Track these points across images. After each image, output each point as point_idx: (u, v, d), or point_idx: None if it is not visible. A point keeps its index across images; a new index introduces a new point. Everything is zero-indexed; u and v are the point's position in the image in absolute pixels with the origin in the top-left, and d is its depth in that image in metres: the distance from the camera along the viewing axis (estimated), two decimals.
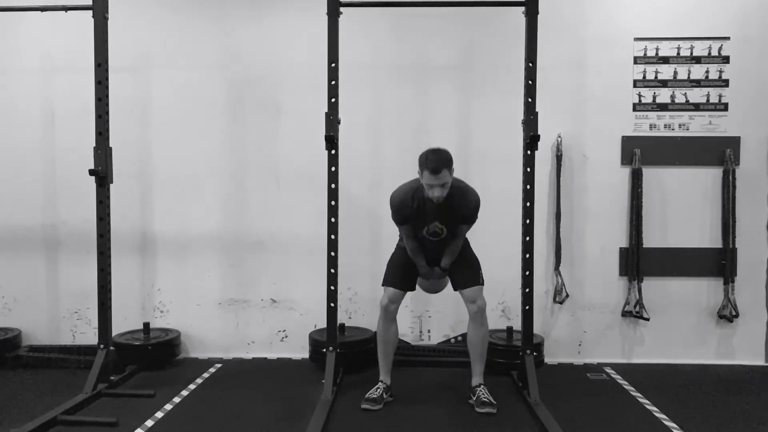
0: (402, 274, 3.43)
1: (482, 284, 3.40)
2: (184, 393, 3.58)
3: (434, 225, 3.27)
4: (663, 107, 4.19)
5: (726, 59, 4.17)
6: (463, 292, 3.38)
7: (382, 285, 3.45)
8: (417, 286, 3.57)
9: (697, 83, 4.18)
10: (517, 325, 3.75)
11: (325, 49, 3.52)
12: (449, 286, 3.54)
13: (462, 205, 3.22)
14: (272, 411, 3.32)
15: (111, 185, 3.59)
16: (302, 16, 4.19)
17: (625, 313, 4.22)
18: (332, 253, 3.57)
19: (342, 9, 3.53)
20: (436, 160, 3.02)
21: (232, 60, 4.29)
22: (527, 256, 3.55)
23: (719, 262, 4.18)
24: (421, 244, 3.38)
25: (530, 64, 3.47)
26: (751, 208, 4.18)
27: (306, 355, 4.16)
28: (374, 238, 4.21)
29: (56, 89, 4.30)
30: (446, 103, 4.22)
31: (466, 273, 3.39)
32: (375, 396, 3.34)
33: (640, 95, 4.20)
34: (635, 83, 4.19)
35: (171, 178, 4.32)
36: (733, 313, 4.15)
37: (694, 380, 3.87)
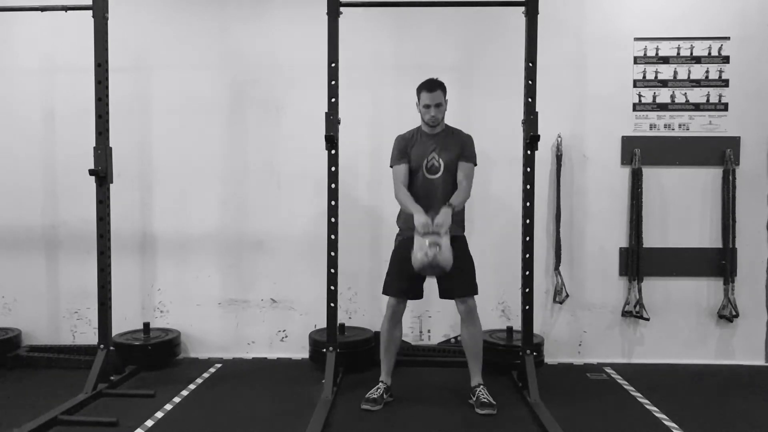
0: (403, 280, 3.36)
1: (474, 294, 3.36)
2: (184, 393, 3.58)
3: (432, 157, 3.33)
4: (663, 107, 4.19)
5: (726, 59, 4.17)
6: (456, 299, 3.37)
7: (383, 293, 3.44)
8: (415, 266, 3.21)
9: (697, 83, 4.18)
10: (517, 325, 3.75)
11: (325, 48, 3.52)
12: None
13: (457, 139, 3.40)
14: (272, 411, 3.32)
15: (111, 185, 3.59)
16: (302, 15, 4.19)
17: (625, 313, 4.22)
18: (332, 253, 3.57)
19: (342, 9, 3.53)
20: (432, 81, 3.34)
21: (232, 60, 4.29)
22: (527, 256, 3.55)
23: (719, 262, 4.18)
24: (420, 191, 3.32)
25: (530, 64, 3.47)
26: (751, 208, 4.18)
27: (306, 355, 4.16)
28: (374, 238, 4.21)
29: (56, 89, 4.30)
30: (447, 105, 4.21)
31: (459, 281, 3.31)
32: (375, 396, 3.34)
33: (640, 95, 4.20)
34: (635, 83, 4.19)
35: (171, 178, 4.32)
36: (733, 313, 4.15)
37: (694, 380, 3.87)
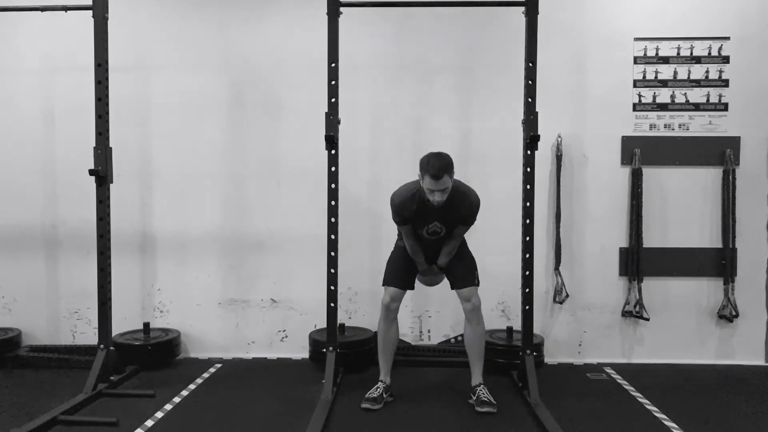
0: (402, 274, 3.44)
1: (477, 285, 3.40)
2: (184, 393, 3.58)
3: (434, 225, 3.28)
4: (663, 107, 4.19)
5: (726, 59, 4.17)
6: (458, 291, 3.39)
7: (383, 285, 3.45)
8: (417, 282, 3.57)
9: (697, 83, 4.18)
10: (517, 325, 3.75)
11: (325, 48, 3.52)
12: (445, 285, 3.54)
13: (462, 207, 3.23)
14: (272, 411, 3.32)
15: (111, 185, 3.59)
16: (302, 16, 4.19)
17: (625, 313, 4.22)
18: (332, 253, 3.57)
19: (342, 9, 3.53)
20: (438, 167, 3.02)
21: (232, 60, 4.29)
22: (527, 256, 3.55)
23: (719, 262, 4.18)
24: (420, 242, 3.39)
25: (530, 64, 3.47)
26: (751, 208, 4.18)
27: (306, 355, 4.16)
28: (374, 238, 4.21)
29: (56, 89, 4.30)
30: (446, 103, 4.22)
31: (462, 273, 3.40)
32: (375, 396, 3.34)
33: (640, 95, 4.20)
34: (635, 83, 4.19)
35: (171, 178, 4.32)
36: (733, 313, 4.15)
37: (694, 380, 3.87)
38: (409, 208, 3.22)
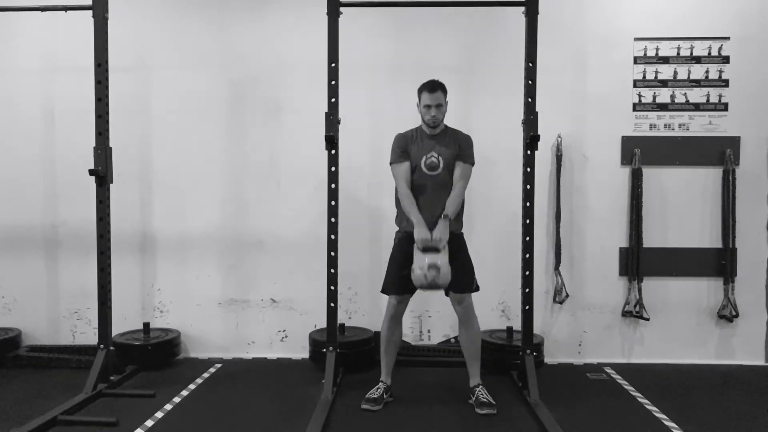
0: (402, 279, 3.36)
1: (473, 291, 3.39)
2: (184, 393, 3.58)
3: (431, 156, 3.33)
4: (663, 107, 4.19)
5: (726, 59, 4.17)
6: (452, 295, 3.38)
7: (382, 292, 3.45)
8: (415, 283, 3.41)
9: (697, 83, 4.18)
10: (517, 325, 3.75)
11: (324, 48, 3.52)
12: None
13: (457, 138, 3.40)
14: (272, 411, 3.32)
15: (111, 185, 3.59)
16: (302, 15, 4.19)
17: (625, 313, 4.22)
18: (332, 253, 3.57)
19: (342, 9, 3.53)
20: (433, 82, 3.34)
21: (232, 60, 4.29)
22: (527, 256, 3.55)
23: (719, 262, 4.18)
24: (419, 188, 3.33)
25: (530, 64, 3.47)
26: (751, 208, 4.18)
27: (306, 355, 4.16)
28: (374, 238, 4.21)
29: (56, 89, 4.30)
30: (448, 106, 4.21)
31: (461, 278, 3.34)
32: (375, 396, 3.35)
33: (640, 95, 4.20)
34: (635, 83, 4.19)
35: (171, 178, 4.32)
36: (733, 313, 4.15)
37: (694, 380, 3.87)
38: (408, 138, 3.41)
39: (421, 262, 3.10)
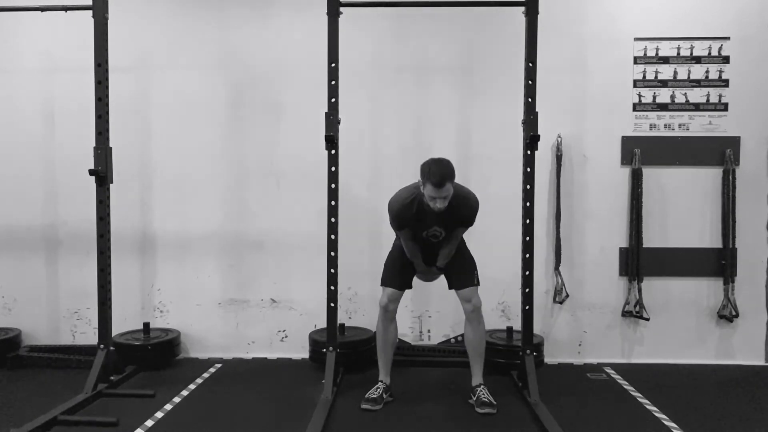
0: (400, 274, 3.44)
1: (477, 285, 3.40)
2: (184, 393, 3.58)
3: (433, 229, 3.29)
4: (663, 107, 4.19)
5: (726, 59, 4.17)
6: (458, 292, 3.39)
7: (381, 285, 3.45)
8: (414, 282, 3.55)
9: (697, 83, 4.18)
10: (517, 325, 3.75)
11: (324, 48, 3.52)
12: (445, 284, 3.53)
13: (462, 211, 3.22)
14: (272, 411, 3.32)
15: (111, 185, 3.59)
16: (302, 15, 4.19)
17: (625, 313, 4.22)
18: (332, 253, 3.57)
19: (342, 9, 3.53)
20: (441, 174, 2.99)
21: (232, 60, 4.29)
22: (527, 256, 3.55)
23: (719, 262, 4.17)
24: (418, 244, 3.39)
25: (530, 64, 3.47)
26: (751, 208, 4.18)
27: (306, 355, 4.16)
28: (374, 238, 4.21)
29: (56, 89, 4.29)
30: (446, 103, 4.22)
31: (462, 273, 3.39)
32: (375, 396, 3.35)
33: (640, 95, 4.20)
34: (635, 83, 4.19)
35: (171, 178, 4.32)
36: (733, 313, 4.15)
37: (694, 380, 3.87)
38: (407, 213, 3.21)
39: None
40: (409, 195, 3.21)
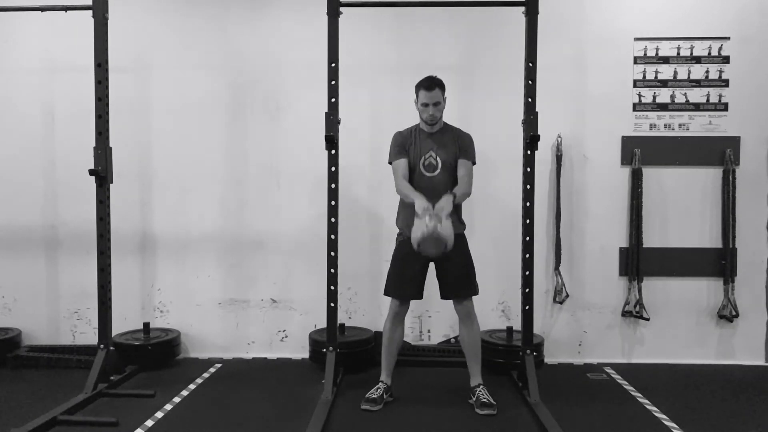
0: (405, 282, 3.38)
1: (475, 294, 3.38)
2: (184, 393, 3.58)
3: (429, 155, 3.33)
4: (663, 107, 4.19)
5: (726, 59, 4.17)
6: (453, 297, 3.38)
7: (385, 294, 3.44)
8: (418, 246, 3.05)
9: (697, 83, 4.18)
10: (517, 325, 3.75)
11: (324, 48, 3.52)
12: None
13: (456, 137, 3.39)
14: (272, 411, 3.32)
15: (111, 185, 3.59)
16: (302, 15, 4.19)
17: (625, 313, 4.22)
18: (332, 253, 3.57)
19: (342, 9, 3.53)
20: (430, 79, 3.32)
21: (233, 60, 4.29)
22: (527, 256, 3.55)
23: (719, 262, 4.17)
24: (417, 188, 3.27)
25: (530, 64, 3.47)
26: (751, 208, 4.18)
27: (306, 355, 4.16)
28: (374, 238, 4.21)
29: (56, 89, 4.29)
30: (446, 103, 4.22)
31: (459, 281, 3.35)
32: (375, 396, 3.34)
33: (640, 95, 4.20)
34: (635, 83, 4.19)
35: (171, 178, 4.32)
36: (733, 313, 4.15)
37: (694, 380, 3.87)
38: (406, 137, 3.40)
39: (421, 222, 2.94)
40: (408, 127, 3.47)
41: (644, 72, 4.18)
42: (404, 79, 4.18)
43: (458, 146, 3.37)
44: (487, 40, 4.21)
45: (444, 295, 3.41)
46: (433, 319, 4.32)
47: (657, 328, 4.22)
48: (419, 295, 3.42)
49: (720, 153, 4.16)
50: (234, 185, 4.32)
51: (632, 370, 4.02)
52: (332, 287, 3.57)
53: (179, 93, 4.29)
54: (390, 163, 3.43)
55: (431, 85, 3.30)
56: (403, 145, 3.39)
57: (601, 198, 4.22)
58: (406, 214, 3.31)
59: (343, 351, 3.77)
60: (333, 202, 3.55)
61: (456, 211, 3.31)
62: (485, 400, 3.28)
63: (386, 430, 3.09)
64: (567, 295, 4.22)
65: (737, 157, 4.15)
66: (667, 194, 4.20)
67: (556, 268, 4.22)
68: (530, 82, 3.47)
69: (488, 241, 4.11)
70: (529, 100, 3.47)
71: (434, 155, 3.34)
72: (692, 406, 3.40)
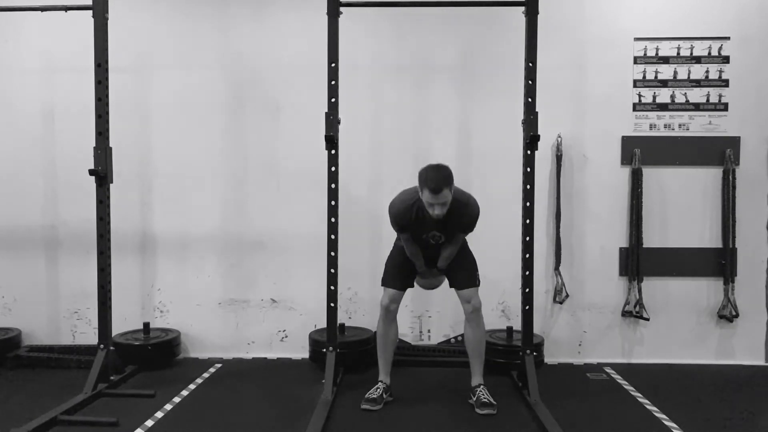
0: (401, 274, 3.44)
1: (478, 285, 3.41)
2: (184, 393, 3.58)
3: (433, 233, 3.29)
4: (663, 107, 4.19)
5: (726, 59, 4.17)
6: (459, 292, 3.40)
7: (382, 285, 3.45)
8: (416, 284, 3.56)
9: (697, 83, 4.18)
10: (517, 325, 3.75)
11: (324, 48, 3.52)
12: (445, 285, 3.55)
13: (462, 217, 3.24)
14: (272, 411, 3.32)
15: (111, 185, 3.59)
16: (302, 16, 4.19)
17: (625, 313, 4.22)
18: (332, 253, 3.57)
19: (342, 9, 3.53)
20: (437, 180, 3.01)
21: (232, 60, 4.29)
22: (527, 256, 3.55)
23: (719, 262, 4.17)
24: (419, 246, 3.39)
25: (530, 64, 3.47)
26: (751, 208, 4.18)
27: (306, 355, 4.16)
28: (374, 238, 4.21)
29: (56, 89, 4.29)
30: (446, 103, 4.22)
31: (463, 273, 3.40)
32: (375, 396, 3.34)
33: (640, 95, 4.20)
34: (635, 83, 4.19)
35: (171, 178, 4.32)
36: (733, 313, 4.15)
37: (694, 380, 3.87)
38: (407, 217, 3.22)
39: (419, 281, 3.54)
40: (410, 198, 3.22)
41: (644, 72, 4.18)
42: (404, 78, 4.21)
43: (462, 227, 3.30)
44: (487, 40, 4.21)
45: (451, 284, 3.46)
46: (433, 319, 4.32)
47: (657, 328, 4.22)
48: (410, 283, 3.50)
49: (720, 153, 4.16)
50: (234, 185, 4.32)
51: (632, 370, 4.02)
52: (332, 287, 3.57)
53: (179, 93, 4.29)
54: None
55: (438, 188, 2.99)
56: (403, 225, 3.27)
57: (601, 198, 4.22)
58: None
59: (343, 351, 3.77)
60: (333, 202, 3.55)
61: None
62: (485, 399, 3.28)
63: (386, 430, 3.09)
64: (567, 295, 4.22)
65: (737, 157, 4.15)
66: (667, 194, 4.20)
67: (556, 268, 4.22)
68: (530, 82, 3.47)
69: (488, 241, 4.10)
70: (529, 100, 3.47)
71: (438, 233, 3.29)
72: (692, 406, 3.40)
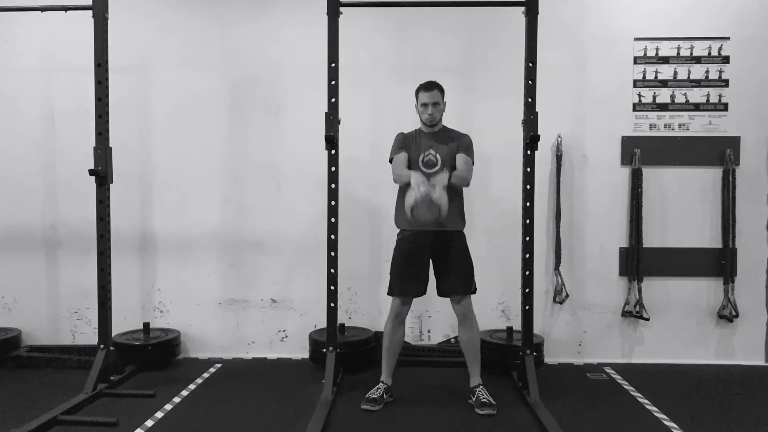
0: (406, 280, 3.39)
1: (471, 293, 3.39)
2: (184, 393, 3.58)
3: (429, 153, 3.35)
4: (663, 107, 4.19)
5: (726, 59, 4.17)
6: (450, 298, 3.39)
7: (388, 294, 3.44)
8: (412, 216, 3.05)
9: (697, 83, 4.18)
10: (517, 325, 3.75)
11: (324, 48, 3.52)
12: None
13: (455, 136, 3.43)
14: (272, 411, 3.32)
15: (111, 185, 3.59)
16: (302, 15, 4.19)
17: (625, 313, 4.22)
18: (332, 253, 3.57)
19: (342, 9, 3.53)
20: (429, 82, 3.40)
21: (233, 60, 4.29)
22: (527, 256, 3.55)
23: (719, 262, 4.17)
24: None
25: (530, 64, 3.47)
26: (751, 208, 4.18)
27: (306, 355, 4.16)
28: (374, 238, 4.21)
29: (56, 89, 4.30)
30: (446, 106, 4.22)
31: (455, 279, 3.36)
32: (375, 396, 3.35)
33: (640, 95, 4.20)
34: (635, 83, 4.19)
35: (171, 178, 4.32)
36: (733, 313, 4.15)
37: (694, 380, 3.87)
38: (408, 137, 3.46)
39: (415, 191, 2.94)
40: (410, 130, 3.51)
41: (644, 72, 4.18)
42: (404, 78, 4.18)
43: (458, 145, 3.39)
44: (487, 41, 4.21)
45: (441, 292, 3.41)
46: (433, 319, 4.32)
47: (657, 328, 4.22)
48: (423, 290, 3.42)
49: (720, 153, 4.16)
50: (234, 185, 4.32)
51: (632, 370, 4.02)
52: (332, 287, 3.57)
53: (179, 93, 4.29)
54: (390, 161, 3.43)
55: (430, 86, 3.38)
56: (404, 142, 3.44)
57: (601, 198, 4.22)
58: (404, 212, 3.30)
59: (343, 351, 3.77)
60: (333, 202, 3.55)
61: (457, 208, 3.33)
62: (485, 400, 3.28)
63: (386, 430, 3.09)
64: (567, 295, 4.22)
65: (737, 157, 4.15)
66: (667, 194, 4.20)
67: (556, 268, 4.22)
68: (530, 82, 3.47)
69: (488, 241, 4.11)
70: (529, 100, 3.47)
71: (434, 152, 3.37)
72: (692, 406, 3.40)
